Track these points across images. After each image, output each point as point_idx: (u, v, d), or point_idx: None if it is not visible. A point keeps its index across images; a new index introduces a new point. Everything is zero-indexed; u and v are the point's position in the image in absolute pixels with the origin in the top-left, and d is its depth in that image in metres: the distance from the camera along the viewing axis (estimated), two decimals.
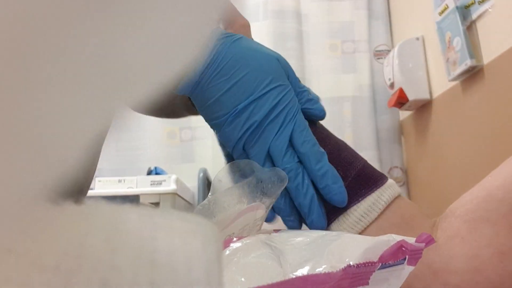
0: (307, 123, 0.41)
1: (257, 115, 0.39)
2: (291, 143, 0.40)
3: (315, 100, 0.43)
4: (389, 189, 0.40)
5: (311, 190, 0.39)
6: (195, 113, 0.49)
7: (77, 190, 0.36)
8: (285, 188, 0.39)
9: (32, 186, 0.12)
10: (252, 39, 0.48)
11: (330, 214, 0.40)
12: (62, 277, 0.12)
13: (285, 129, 0.39)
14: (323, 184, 0.39)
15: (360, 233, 0.39)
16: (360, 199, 0.39)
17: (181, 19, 0.11)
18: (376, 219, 0.39)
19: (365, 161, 0.43)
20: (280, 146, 0.39)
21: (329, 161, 0.41)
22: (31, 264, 0.12)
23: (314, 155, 0.39)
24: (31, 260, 0.12)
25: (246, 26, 0.48)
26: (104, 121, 0.12)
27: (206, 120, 0.43)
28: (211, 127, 0.43)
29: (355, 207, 0.39)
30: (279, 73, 0.41)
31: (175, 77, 0.12)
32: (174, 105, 0.50)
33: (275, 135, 0.39)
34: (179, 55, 0.12)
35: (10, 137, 0.11)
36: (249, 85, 0.39)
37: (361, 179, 0.40)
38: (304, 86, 0.44)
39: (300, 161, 0.40)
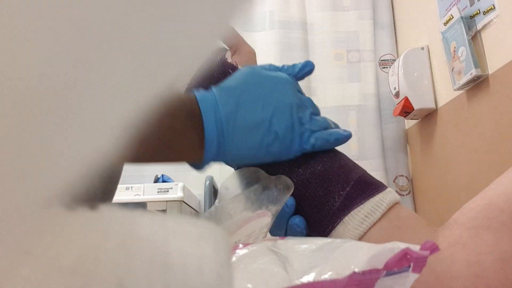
0: None
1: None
2: None
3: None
4: (390, 194, 0.41)
5: None
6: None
7: (101, 195, 0.38)
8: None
9: (50, 191, 0.13)
10: (257, 65, 0.50)
11: (334, 216, 0.40)
12: (79, 278, 0.12)
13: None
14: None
15: (364, 234, 0.39)
16: (364, 201, 0.40)
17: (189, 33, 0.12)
18: (379, 220, 0.39)
19: (365, 170, 0.44)
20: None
21: (331, 167, 0.42)
22: (49, 266, 0.13)
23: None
24: (50, 262, 0.13)
25: (252, 54, 0.50)
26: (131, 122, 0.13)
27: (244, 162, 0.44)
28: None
29: (358, 208, 0.40)
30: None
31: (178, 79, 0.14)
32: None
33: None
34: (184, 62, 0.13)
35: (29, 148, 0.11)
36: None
37: (363, 183, 0.41)
38: None
39: None
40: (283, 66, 0.47)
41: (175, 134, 0.38)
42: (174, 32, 0.12)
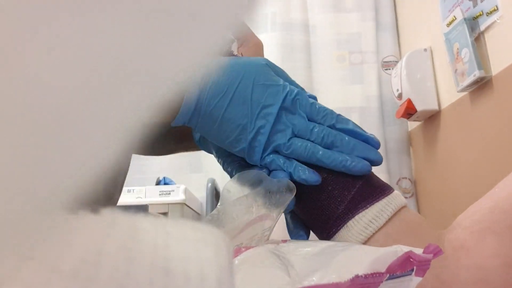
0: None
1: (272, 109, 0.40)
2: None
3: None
4: (396, 198, 0.41)
5: None
6: (188, 148, 0.49)
7: (106, 198, 0.38)
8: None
9: (52, 196, 0.13)
10: (266, 58, 0.50)
11: (338, 220, 0.40)
12: (81, 283, 0.12)
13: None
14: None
15: (368, 239, 0.39)
16: (368, 205, 0.39)
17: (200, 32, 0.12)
18: (384, 225, 0.39)
19: (372, 173, 0.43)
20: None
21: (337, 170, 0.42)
22: (51, 270, 0.13)
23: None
24: (51, 266, 0.13)
25: (260, 45, 0.49)
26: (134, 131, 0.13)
27: (220, 144, 0.42)
28: (227, 147, 0.42)
29: (363, 213, 0.39)
30: (269, 74, 0.41)
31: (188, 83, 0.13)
32: (166, 140, 0.51)
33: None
34: (196, 64, 0.13)
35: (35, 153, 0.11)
36: (247, 93, 0.39)
37: (368, 187, 0.41)
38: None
39: None
40: None
41: None
42: (180, 39, 0.12)
